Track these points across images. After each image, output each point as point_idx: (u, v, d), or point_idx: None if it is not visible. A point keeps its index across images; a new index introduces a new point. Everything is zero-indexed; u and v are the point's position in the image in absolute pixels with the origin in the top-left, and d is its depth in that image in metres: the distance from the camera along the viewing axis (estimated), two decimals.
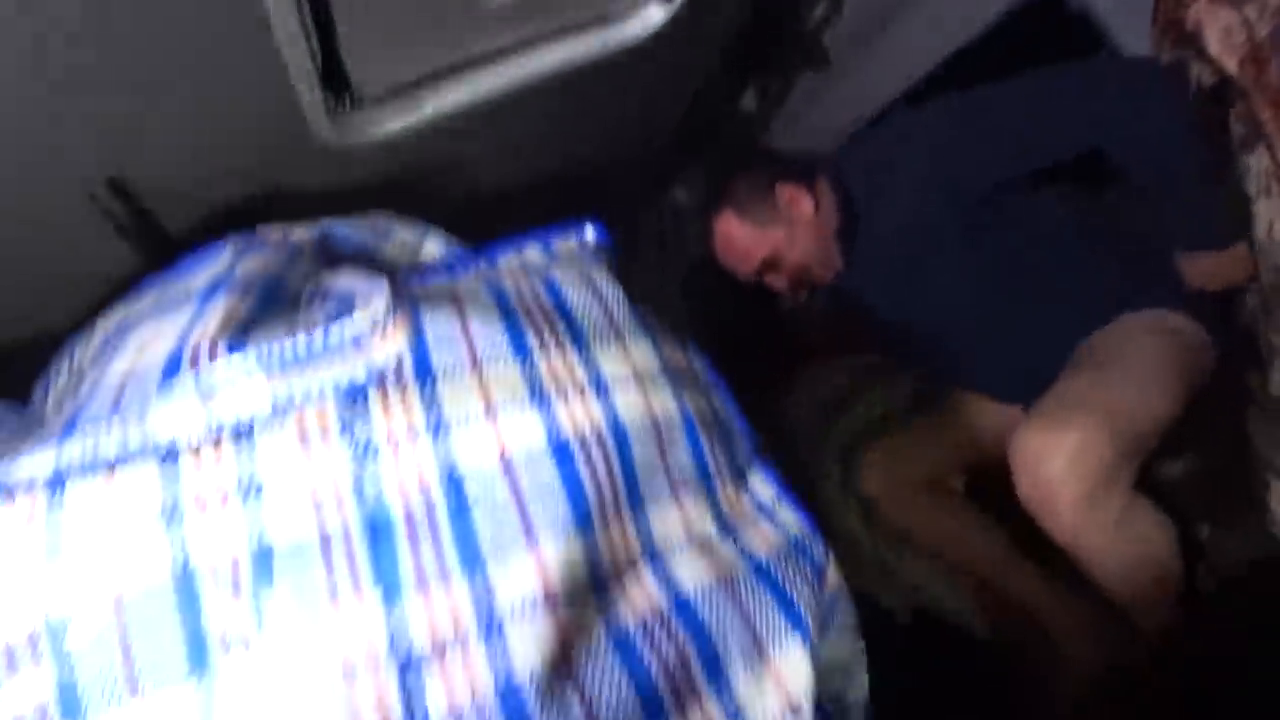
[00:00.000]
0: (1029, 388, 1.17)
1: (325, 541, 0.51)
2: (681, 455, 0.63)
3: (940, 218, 1.21)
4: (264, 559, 0.51)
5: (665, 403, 0.64)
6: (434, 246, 0.81)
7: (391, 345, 0.51)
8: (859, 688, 0.73)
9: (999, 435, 1.24)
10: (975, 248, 1.23)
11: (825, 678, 0.68)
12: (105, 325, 0.77)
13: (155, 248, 0.89)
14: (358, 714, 0.47)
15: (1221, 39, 1.04)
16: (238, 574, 0.50)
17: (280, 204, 0.88)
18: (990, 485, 1.31)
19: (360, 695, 0.48)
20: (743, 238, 1.30)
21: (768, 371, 1.83)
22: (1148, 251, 1.22)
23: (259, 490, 0.52)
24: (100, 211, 0.83)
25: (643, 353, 0.67)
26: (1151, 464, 1.13)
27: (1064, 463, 1.01)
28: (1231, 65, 1.04)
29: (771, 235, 1.29)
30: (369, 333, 0.50)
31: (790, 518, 0.68)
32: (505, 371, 0.59)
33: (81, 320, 0.85)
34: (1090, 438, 1.01)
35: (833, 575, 0.67)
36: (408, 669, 0.48)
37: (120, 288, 0.85)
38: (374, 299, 0.57)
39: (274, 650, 0.49)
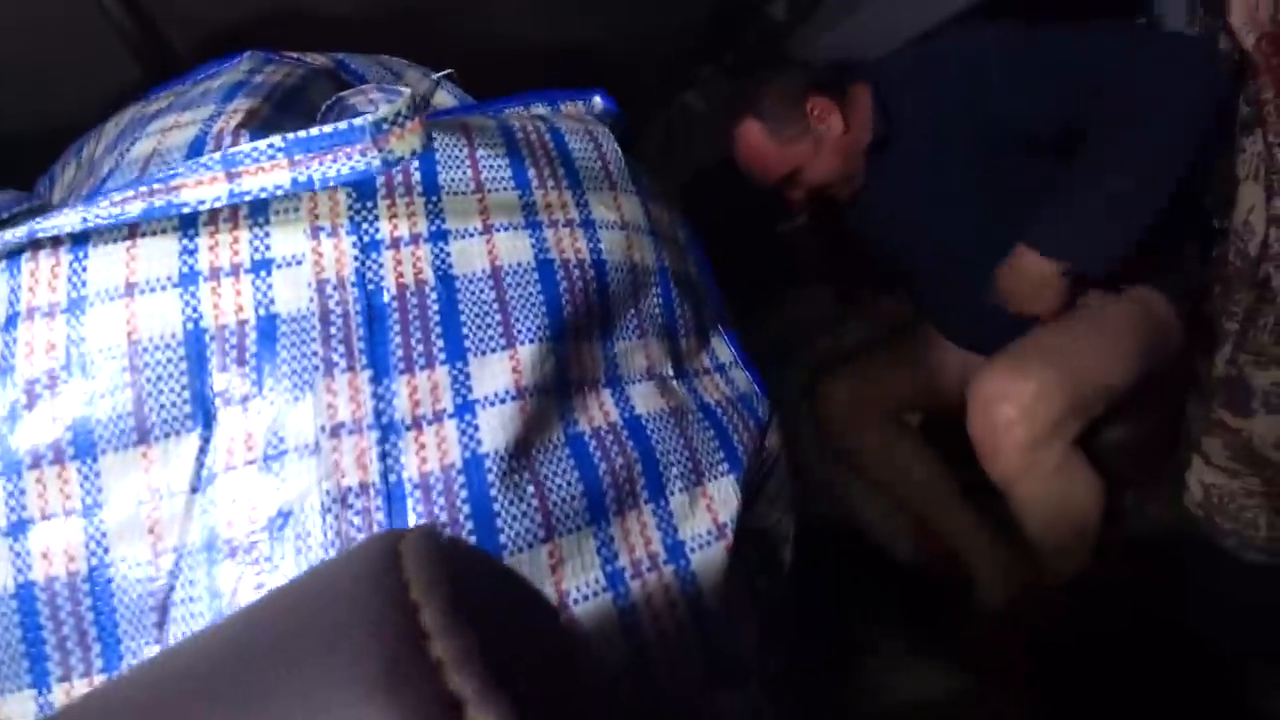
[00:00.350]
0: (999, 343, 1.18)
1: (325, 319, 0.56)
2: (652, 302, 0.68)
3: (963, 153, 1.18)
4: (268, 329, 0.56)
5: (645, 253, 0.69)
6: (445, 96, 0.83)
7: (408, 141, 0.54)
8: (783, 556, 0.80)
9: (961, 379, 1.28)
10: (982, 193, 1.21)
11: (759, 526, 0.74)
12: (118, 121, 0.80)
13: (160, 63, 0.90)
14: (340, 468, 0.53)
15: (1244, 11, 1.01)
16: (243, 340, 0.56)
17: (290, 39, 0.88)
18: (943, 426, 1.37)
19: (343, 452, 0.54)
20: (765, 150, 1.24)
21: (760, 286, 1.84)
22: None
23: (269, 268, 0.57)
24: (108, 21, 0.84)
25: (632, 206, 0.71)
26: (1094, 427, 1.19)
27: (1018, 408, 1.06)
28: (1249, 40, 1.02)
29: (795, 151, 1.24)
30: (389, 124, 0.54)
31: (741, 377, 0.74)
32: (505, 197, 0.64)
33: (85, 124, 0.87)
34: (1047, 389, 1.06)
35: (774, 438, 0.73)
36: (388, 435, 0.54)
37: (124, 100, 0.87)
38: (401, 94, 0.61)
39: (270, 410, 0.55)
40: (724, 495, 0.61)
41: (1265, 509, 1.06)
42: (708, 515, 0.60)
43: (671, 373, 0.67)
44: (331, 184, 0.53)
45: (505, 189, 0.64)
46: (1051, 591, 1.17)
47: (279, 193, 0.54)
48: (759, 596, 0.70)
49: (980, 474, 1.15)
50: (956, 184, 1.21)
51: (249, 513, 0.53)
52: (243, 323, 0.56)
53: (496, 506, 0.53)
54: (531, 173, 0.66)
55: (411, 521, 0.51)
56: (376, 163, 0.52)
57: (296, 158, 0.53)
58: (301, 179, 0.54)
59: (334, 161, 0.53)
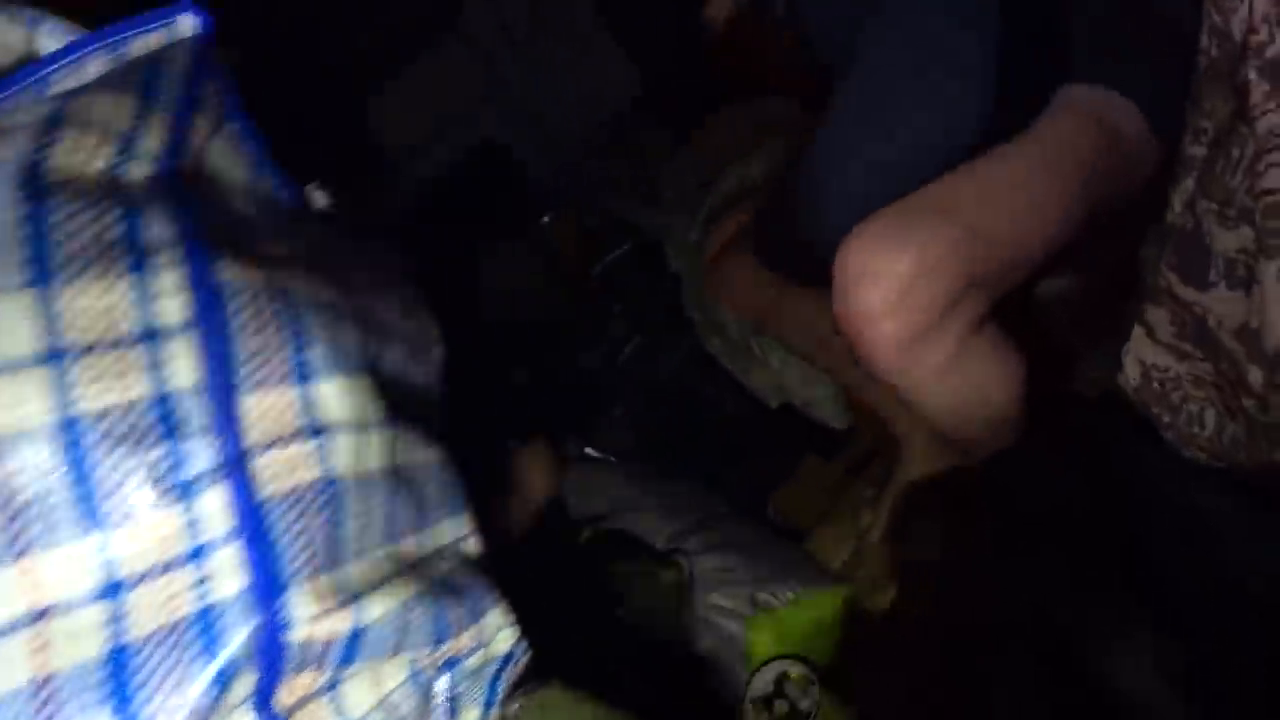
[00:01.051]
0: None
1: None
2: None
3: None
4: None
5: None
6: (46, 39, 0.59)
7: None
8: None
9: None
10: None
11: None
12: None
13: None
14: None
15: None
16: None
17: None
18: None
19: None
20: None
21: (690, 101, 1.61)
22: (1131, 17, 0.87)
23: None
24: None
25: None
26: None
27: (891, 290, 0.75)
28: None
29: None
30: None
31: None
32: None
33: None
34: (932, 260, 0.75)
35: (303, 468, 0.53)
36: None
37: None
38: None
39: None
40: (55, 565, 0.42)
41: (1214, 403, 0.81)
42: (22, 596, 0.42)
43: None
44: None
45: None
46: (969, 475, 0.99)
47: None
48: None
49: None
50: None
51: None
52: None
53: None
54: None
55: None
56: None
57: None
58: None
59: None
